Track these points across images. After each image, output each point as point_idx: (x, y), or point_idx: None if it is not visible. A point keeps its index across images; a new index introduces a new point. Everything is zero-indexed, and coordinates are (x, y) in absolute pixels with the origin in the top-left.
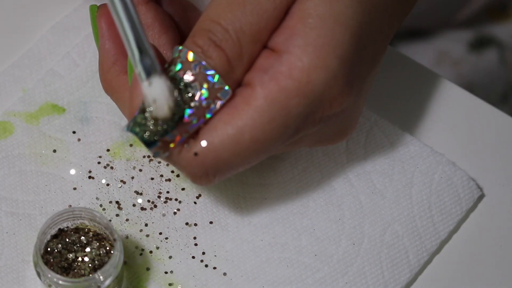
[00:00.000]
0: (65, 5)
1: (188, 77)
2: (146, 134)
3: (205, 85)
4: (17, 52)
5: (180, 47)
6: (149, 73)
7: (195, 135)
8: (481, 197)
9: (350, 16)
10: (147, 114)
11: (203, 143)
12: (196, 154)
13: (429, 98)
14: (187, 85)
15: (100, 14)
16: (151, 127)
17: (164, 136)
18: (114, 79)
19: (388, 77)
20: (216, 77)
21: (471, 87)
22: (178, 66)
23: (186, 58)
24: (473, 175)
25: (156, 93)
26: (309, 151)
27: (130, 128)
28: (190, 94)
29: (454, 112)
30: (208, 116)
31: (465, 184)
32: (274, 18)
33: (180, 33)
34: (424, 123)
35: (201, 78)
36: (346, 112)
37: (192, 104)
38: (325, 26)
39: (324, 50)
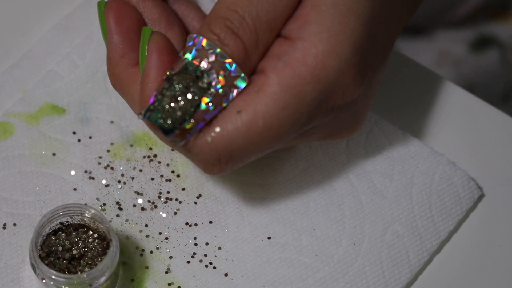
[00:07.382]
0: (65, 6)
1: (204, 64)
2: (167, 121)
3: (221, 73)
4: (17, 53)
5: (195, 35)
6: None
7: (209, 121)
8: (481, 197)
9: (363, 5)
10: (163, 102)
11: (217, 129)
12: (209, 140)
13: (430, 98)
14: (203, 72)
15: (108, 9)
16: (168, 115)
17: (182, 124)
18: (123, 72)
19: (388, 77)
20: (234, 65)
21: (472, 87)
22: (193, 54)
23: (201, 45)
24: (473, 175)
25: None
26: (309, 151)
27: (147, 116)
28: (206, 82)
29: (455, 112)
30: (225, 104)
31: (465, 184)
32: (289, 7)
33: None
34: (424, 123)
35: (217, 66)
36: (357, 104)
37: (209, 91)
38: (339, 14)
39: (338, 38)
